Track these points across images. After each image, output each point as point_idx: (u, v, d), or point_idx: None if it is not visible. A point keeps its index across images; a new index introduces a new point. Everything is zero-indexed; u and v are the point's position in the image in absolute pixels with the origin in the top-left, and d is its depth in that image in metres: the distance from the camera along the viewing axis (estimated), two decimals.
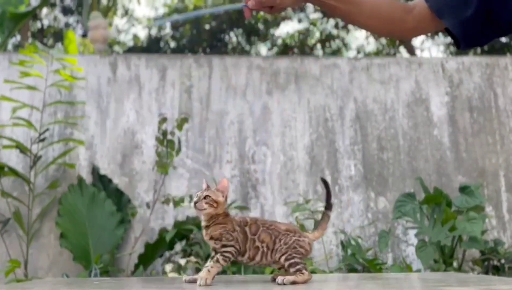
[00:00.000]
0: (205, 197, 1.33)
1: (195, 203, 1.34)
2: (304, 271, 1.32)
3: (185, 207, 3.66)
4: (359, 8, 1.37)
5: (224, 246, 1.33)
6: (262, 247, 1.35)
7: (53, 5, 11.64)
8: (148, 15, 13.64)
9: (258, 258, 1.35)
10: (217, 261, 1.32)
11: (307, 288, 1.04)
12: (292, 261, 1.33)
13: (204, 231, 1.36)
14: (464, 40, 1.37)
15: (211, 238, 1.34)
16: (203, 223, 1.36)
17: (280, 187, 3.93)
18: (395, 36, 1.51)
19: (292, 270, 1.32)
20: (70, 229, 3.55)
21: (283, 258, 1.33)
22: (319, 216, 3.52)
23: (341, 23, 11.55)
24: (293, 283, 1.29)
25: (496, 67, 4.29)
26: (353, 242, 3.53)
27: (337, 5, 1.36)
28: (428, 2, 1.37)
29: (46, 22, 12.25)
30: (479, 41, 1.39)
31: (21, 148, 3.60)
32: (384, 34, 1.50)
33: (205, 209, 1.32)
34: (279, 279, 1.31)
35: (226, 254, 1.33)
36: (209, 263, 1.33)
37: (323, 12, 11.71)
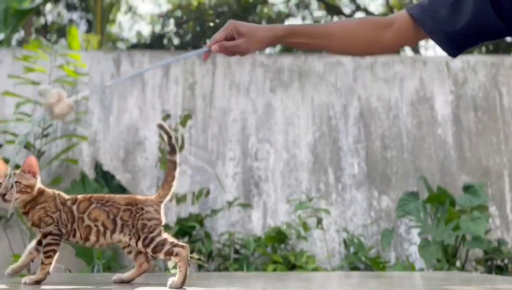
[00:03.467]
0: (14, 186, 1.17)
1: (3, 195, 1.18)
2: (176, 249, 1.15)
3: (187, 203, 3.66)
4: (330, 40, 1.36)
5: (44, 235, 1.19)
6: (96, 225, 1.22)
7: (56, 1, 11.65)
8: (152, 12, 13.64)
9: (93, 238, 1.22)
10: (47, 256, 1.19)
11: (309, 287, 1.03)
12: (153, 244, 1.17)
13: (24, 218, 1.22)
14: (452, 50, 1.32)
15: (33, 224, 1.21)
16: (20, 210, 1.22)
17: (283, 185, 3.92)
18: (375, 54, 1.50)
19: (160, 254, 1.16)
20: None
21: (140, 244, 1.19)
22: (322, 214, 3.52)
23: None
24: (183, 280, 1.12)
25: (501, 66, 4.27)
26: (355, 241, 3.52)
27: (307, 42, 1.38)
28: (414, 16, 1.31)
29: (50, 18, 12.26)
30: (467, 47, 1.34)
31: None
32: (362, 55, 1.51)
33: (18, 198, 1.18)
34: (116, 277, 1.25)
35: (49, 247, 1.19)
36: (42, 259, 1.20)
37: (327, 10, 11.67)
